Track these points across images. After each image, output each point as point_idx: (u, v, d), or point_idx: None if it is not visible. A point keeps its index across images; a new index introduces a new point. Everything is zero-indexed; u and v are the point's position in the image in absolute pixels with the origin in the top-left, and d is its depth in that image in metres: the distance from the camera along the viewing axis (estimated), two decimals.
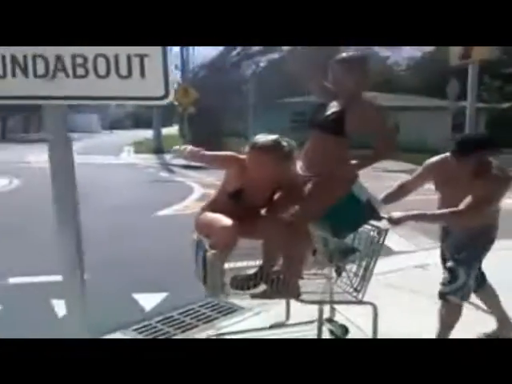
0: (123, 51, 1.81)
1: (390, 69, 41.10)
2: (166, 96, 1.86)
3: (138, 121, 61.93)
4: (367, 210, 3.06)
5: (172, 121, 44.32)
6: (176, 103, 18.70)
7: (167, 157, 21.81)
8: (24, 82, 1.79)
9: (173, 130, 38.53)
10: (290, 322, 3.54)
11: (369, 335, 3.09)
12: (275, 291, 3.03)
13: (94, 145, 31.65)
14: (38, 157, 21.92)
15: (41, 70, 1.78)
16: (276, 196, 3.11)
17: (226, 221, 2.86)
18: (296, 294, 3.05)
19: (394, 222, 3.07)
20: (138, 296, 4.48)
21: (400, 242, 6.48)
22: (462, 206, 3.12)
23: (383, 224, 3.06)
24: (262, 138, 2.99)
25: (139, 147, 27.84)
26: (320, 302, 3.12)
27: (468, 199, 3.10)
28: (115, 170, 17.22)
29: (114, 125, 56.68)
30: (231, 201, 3.02)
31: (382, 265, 3.77)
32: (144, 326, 3.71)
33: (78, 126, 45.82)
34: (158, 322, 3.82)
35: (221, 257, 2.81)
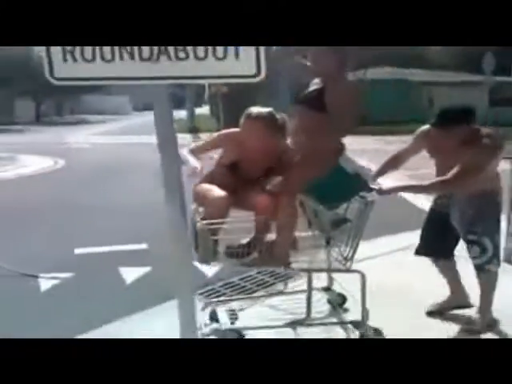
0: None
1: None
2: (257, 74, 2.02)
3: (172, 101, 62.23)
4: (356, 182, 3.14)
5: (203, 101, 44.54)
6: None
7: (201, 136, 22.10)
8: (130, 64, 1.98)
9: (204, 110, 38.83)
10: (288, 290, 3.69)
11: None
12: (264, 259, 3.15)
13: (129, 125, 32.16)
14: (76, 138, 22.52)
15: (146, 53, 1.98)
16: (270, 168, 3.23)
17: (219, 192, 3.02)
18: (284, 263, 3.15)
19: (384, 192, 3.15)
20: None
21: None
22: (448, 175, 3.20)
23: (371, 195, 3.11)
24: (257, 108, 3.14)
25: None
26: (309, 270, 3.27)
27: (455, 167, 3.18)
28: (153, 149, 17.52)
29: (145, 106, 57.23)
30: (228, 173, 3.17)
31: None
32: (208, 291, 3.93)
33: (110, 108, 46.51)
34: (221, 286, 4.02)
35: (211, 227, 2.96)
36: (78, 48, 1.94)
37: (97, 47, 1.94)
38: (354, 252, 3.13)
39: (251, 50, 2.00)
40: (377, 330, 3.18)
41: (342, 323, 3.44)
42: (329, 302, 3.65)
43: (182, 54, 1.98)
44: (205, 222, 2.97)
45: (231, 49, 1.99)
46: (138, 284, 4.55)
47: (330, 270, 3.37)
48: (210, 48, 1.98)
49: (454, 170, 3.19)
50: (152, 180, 10.24)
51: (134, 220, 6.68)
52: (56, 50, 1.95)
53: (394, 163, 3.66)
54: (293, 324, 3.44)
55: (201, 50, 1.99)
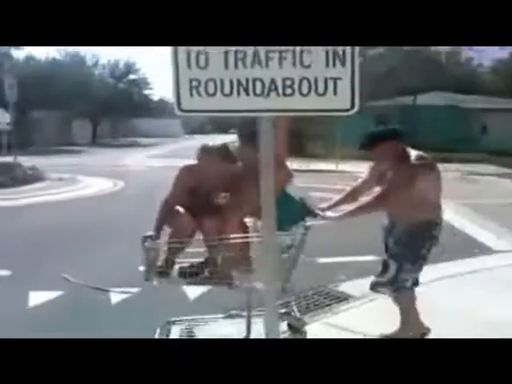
0: (321, 75, 2.28)
1: (474, 71, 40.08)
2: (352, 108, 2.30)
3: (217, 126, 63.57)
4: (301, 209, 3.36)
5: None
6: None
7: None
8: (245, 99, 2.29)
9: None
10: None
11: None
12: (210, 279, 3.36)
13: (180, 148, 32.99)
14: (133, 160, 23.32)
15: (258, 89, 2.28)
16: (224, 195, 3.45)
17: (185, 215, 3.29)
18: (227, 283, 3.32)
19: (327, 218, 3.38)
20: None
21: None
22: (371, 196, 3.37)
23: (311, 220, 3.30)
24: (209, 143, 3.50)
25: None
26: (249, 290, 3.40)
27: (381, 187, 3.33)
28: None
29: (194, 130, 58.71)
30: (187, 199, 3.41)
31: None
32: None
33: (162, 131, 47.80)
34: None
35: (157, 246, 3.25)
36: (202, 84, 2.26)
37: (218, 84, 2.26)
38: (290, 274, 3.27)
39: (347, 87, 2.27)
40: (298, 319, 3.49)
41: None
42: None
43: (288, 91, 2.28)
44: (148, 242, 3.23)
45: (330, 86, 2.27)
46: (200, 297, 4.79)
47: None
48: (312, 86, 2.27)
49: (377, 191, 3.38)
50: None
51: None
52: (184, 87, 2.27)
53: (351, 196, 3.72)
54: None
55: (305, 87, 2.28)
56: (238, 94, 2.28)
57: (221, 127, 56.78)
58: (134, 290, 4.93)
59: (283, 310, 3.73)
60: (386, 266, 3.44)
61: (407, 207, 3.35)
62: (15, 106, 15.39)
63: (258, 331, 3.61)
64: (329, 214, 3.48)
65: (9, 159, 14.14)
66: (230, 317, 3.94)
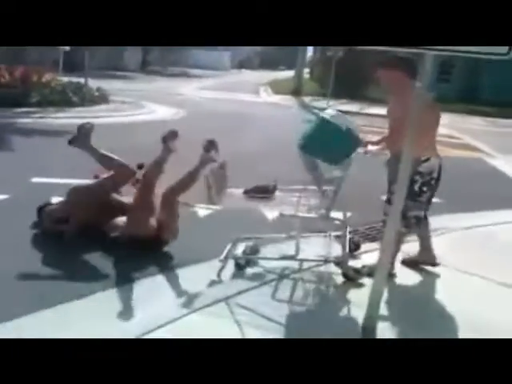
0: None
1: None
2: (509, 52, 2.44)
3: (264, 61, 62.66)
4: (350, 139, 3.51)
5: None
6: None
7: (306, 99, 22.51)
8: None
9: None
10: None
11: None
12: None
13: (229, 82, 32.97)
14: (186, 90, 23.58)
15: None
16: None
17: None
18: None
19: (367, 152, 3.73)
20: None
21: None
22: (385, 135, 3.85)
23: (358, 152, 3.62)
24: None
25: (276, 87, 28.69)
26: (293, 216, 3.70)
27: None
28: (262, 108, 18.25)
29: (242, 64, 58.07)
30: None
31: None
32: None
33: (209, 63, 47.50)
34: None
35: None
36: None
37: None
38: (334, 202, 3.64)
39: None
40: (356, 270, 3.70)
41: (326, 261, 3.97)
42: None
43: None
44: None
45: None
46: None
47: (313, 218, 3.81)
48: None
49: (388, 128, 3.81)
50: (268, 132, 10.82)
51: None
52: None
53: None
54: (283, 258, 4.07)
55: None
56: None
57: (268, 62, 56.07)
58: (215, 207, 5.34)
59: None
60: (390, 203, 3.51)
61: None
62: None
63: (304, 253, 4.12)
64: (369, 148, 3.80)
65: (79, 79, 14.52)
66: (291, 238, 4.28)
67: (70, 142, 4.58)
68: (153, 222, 4.17)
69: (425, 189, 3.69)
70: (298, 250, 4.16)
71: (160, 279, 3.76)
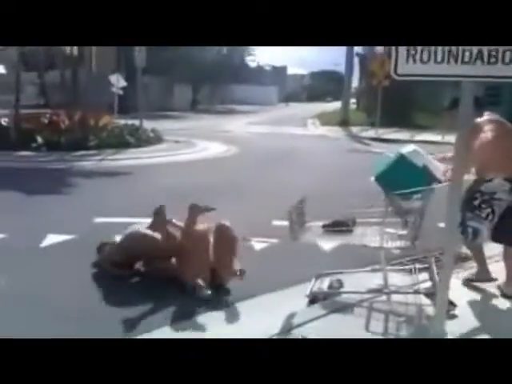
0: None
1: None
2: None
3: (311, 94, 63.21)
4: (424, 175, 3.65)
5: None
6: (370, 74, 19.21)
7: (353, 129, 22.54)
8: (453, 66, 2.63)
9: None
10: None
11: None
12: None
13: (277, 116, 33.41)
14: (234, 126, 24.06)
15: (466, 58, 2.60)
16: None
17: None
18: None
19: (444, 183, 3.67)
20: None
21: None
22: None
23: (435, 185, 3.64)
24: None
25: (323, 119, 28.88)
26: (379, 248, 3.71)
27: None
28: (310, 140, 18.40)
29: (288, 97, 58.77)
30: None
31: None
32: None
33: (256, 99, 48.34)
34: None
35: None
36: (418, 51, 2.61)
37: (432, 53, 2.59)
38: (419, 231, 3.68)
39: None
40: (451, 302, 3.54)
41: (416, 292, 3.91)
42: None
43: (492, 60, 2.58)
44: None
45: None
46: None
47: (399, 248, 3.89)
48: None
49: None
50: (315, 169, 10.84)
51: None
52: (402, 54, 2.63)
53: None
54: (372, 291, 4.03)
55: (507, 56, 2.56)
56: (448, 61, 2.61)
57: (315, 95, 56.55)
58: (273, 240, 5.44)
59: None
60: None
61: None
62: (141, 71, 16.04)
63: (395, 284, 4.12)
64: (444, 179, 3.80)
65: (133, 121, 15.14)
66: (374, 271, 4.30)
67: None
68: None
69: (484, 206, 4.00)
70: (386, 282, 4.05)
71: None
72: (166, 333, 3.41)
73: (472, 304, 3.89)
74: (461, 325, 3.49)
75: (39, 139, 12.39)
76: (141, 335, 3.31)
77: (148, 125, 15.53)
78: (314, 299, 3.93)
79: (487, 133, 3.84)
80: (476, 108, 3.59)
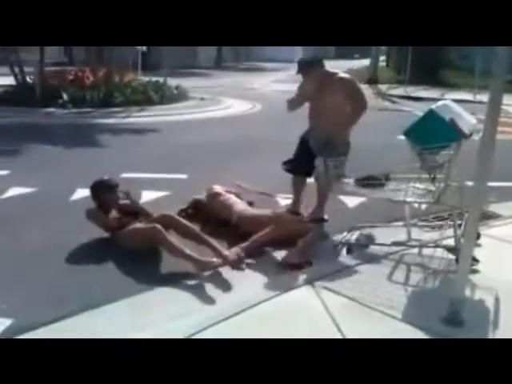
0: None
1: None
2: None
3: (338, 51, 61.89)
4: (452, 129, 3.55)
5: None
6: None
7: (382, 87, 22.10)
8: None
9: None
10: None
11: None
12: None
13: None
14: (263, 83, 23.82)
15: None
16: None
17: None
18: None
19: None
20: None
21: None
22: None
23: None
24: None
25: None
26: (404, 202, 3.89)
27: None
28: None
29: (315, 55, 57.41)
30: None
31: None
32: None
33: (282, 56, 47.54)
34: None
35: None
36: None
37: None
38: (447, 187, 3.69)
39: None
40: (474, 259, 3.50)
41: (437, 246, 3.94)
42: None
43: None
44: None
45: None
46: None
47: (424, 202, 3.94)
48: None
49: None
50: None
51: None
52: None
53: None
54: (396, 243, 4.11)
55: None
56: None
57: (343, 52, 55.39)
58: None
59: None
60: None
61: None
62: None
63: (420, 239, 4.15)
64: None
65: (158, 78, 15.08)
66: (403, 226, 4.33)
67: None
68: None
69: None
70: (409, 235, 4.20)
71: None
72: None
73: (494, 260, 3.88)
74: (483, 280, 3.51)
75: (65, 96, 12.45)
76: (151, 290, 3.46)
77: (172, 82, 15.43)
78: (349, 249, 4.10)
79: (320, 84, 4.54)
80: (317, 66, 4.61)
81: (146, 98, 13.42)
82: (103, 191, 4.47)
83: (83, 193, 5.57)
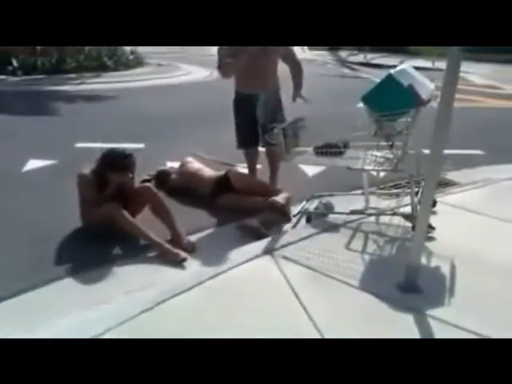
0: None
1: None
2: None
3: None
4: (411, 95, 3.48)
5: None
6: None
7: (342, 54, 22.08)
8: None
9: None
10: None
11: None
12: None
13: None
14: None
15: None
16: None
17: None
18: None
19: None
20: None
21: None
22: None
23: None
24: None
25: None
26: (361, 170, 3.83)
27: None
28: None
29: None
30: None
31: None
32: None
33: None
34: None
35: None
36: None
37: None
38: (404, 155, 3.66)
39: None
40: (430, 226, 3.57)
41: (394, 214, 3.99)
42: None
43: None
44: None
45: None
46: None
47: (382, 170, 3.91)
48: None
49: None
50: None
51: None
52: None
53: None
54: (354, 212, 4.08)
55: None
56: None
57: None
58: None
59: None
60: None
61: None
62: None
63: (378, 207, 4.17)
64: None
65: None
66: (363, 194, 4.33)
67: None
68: None
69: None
70: (367, 204, 4.21)
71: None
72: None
73: (450, 227, 3.95)
74: (439, 247, 3.57)
75: (14, 62, 11.94)
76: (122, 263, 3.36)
77: (127, 47, 14.97)
78: (308, 218, 4.08)
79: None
80: None
81: (100, 64, 13.03)
82: (115, 168, 3.84)
83: (36, 164, 5.40)
